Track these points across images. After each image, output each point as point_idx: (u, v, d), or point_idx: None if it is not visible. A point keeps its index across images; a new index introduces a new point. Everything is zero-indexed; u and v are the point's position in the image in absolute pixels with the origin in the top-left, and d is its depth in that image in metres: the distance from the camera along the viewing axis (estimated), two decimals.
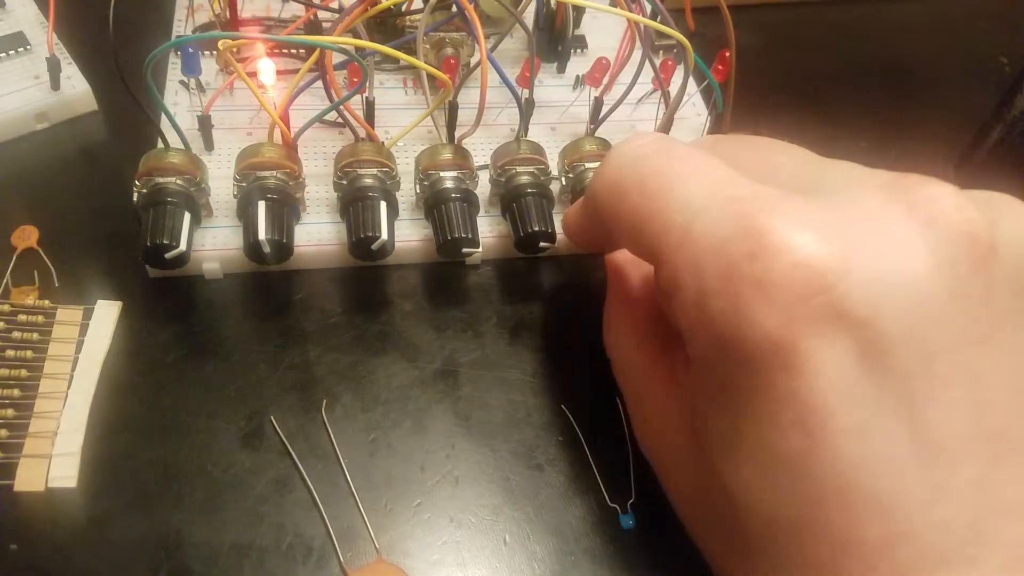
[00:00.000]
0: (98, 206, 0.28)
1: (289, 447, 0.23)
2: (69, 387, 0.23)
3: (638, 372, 0.22)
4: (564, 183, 0.28)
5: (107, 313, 0.25)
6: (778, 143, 0.21)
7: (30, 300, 0.25)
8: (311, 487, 0.22)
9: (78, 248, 0.26)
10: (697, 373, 0.19)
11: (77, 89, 0.30)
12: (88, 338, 0.24)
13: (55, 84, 0.29)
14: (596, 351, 0.26)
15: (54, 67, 0.29)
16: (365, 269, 0.27)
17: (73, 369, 0.24)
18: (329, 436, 0.23)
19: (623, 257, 0.25)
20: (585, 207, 0.22)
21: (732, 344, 0.16)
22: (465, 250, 0.26)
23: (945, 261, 0.16)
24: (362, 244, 0.25)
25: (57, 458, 0.22)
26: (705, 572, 0.22)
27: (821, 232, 0.16)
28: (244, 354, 0.25)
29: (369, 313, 0.26)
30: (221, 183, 0.27)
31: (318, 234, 0.27)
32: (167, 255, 0.24)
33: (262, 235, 0.24)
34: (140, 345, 0.25)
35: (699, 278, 0.17)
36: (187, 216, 0.24)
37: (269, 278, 0.27)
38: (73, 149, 0.30)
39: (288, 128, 0.26)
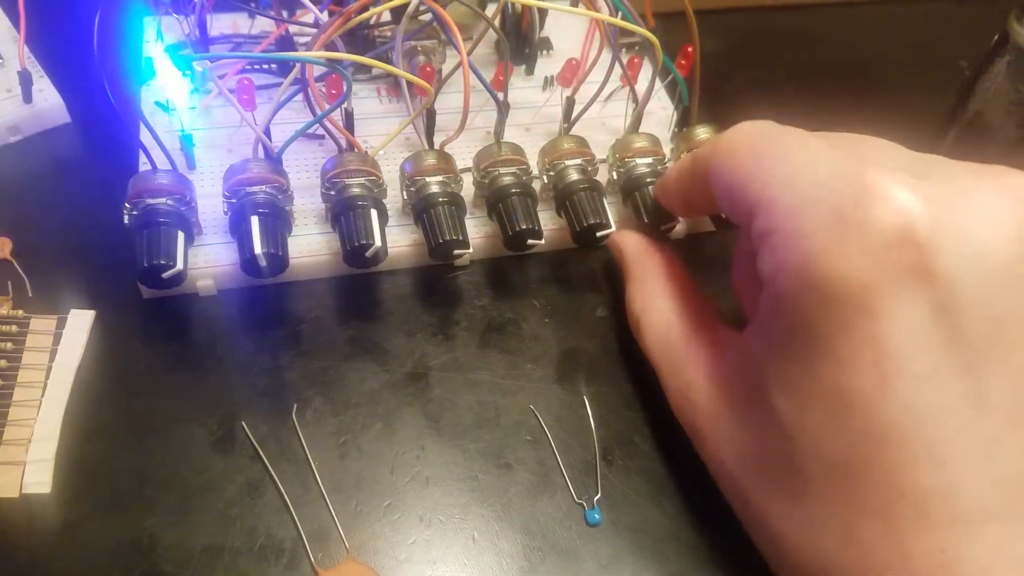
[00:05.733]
0: (72, 217, 0.28)
1: (260, 451, 0.23)
2: (43, 395, 0.24)
3: (679, 342, 0.24)
4: (545, 181, 0.29)
5: (80, 322, 0.25)
6: (875, 138, 0.22)
7: (3, 310, 0.25)
8: (282, 490, 0.23)
9: (52, 259, 0.27)
10: (771, 319, 0.20)
11: (49, 102, 0.30)
12: (62, 347, 0.25)
13: (27, 97, 0.30)
14: (565, 350, 0.27)
15: (26, 80, 0.29)
16: (356, 277, 0.28)
17: (47, 377, 0.24)
18: (300, 440, 0.24)
19: (643, 245, 0.27)
20: (693, 165, 0.24)
21: (821, 284, 0.18)
22: (456, 251, 0.27)
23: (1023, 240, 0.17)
24: (356, 252, 0.25)
25: (31, 465, 0.22)
26: (666, 566, 0.22)
27: (920, 194, 0.17)
28: (216, 361, 0.25)
29: (343, 318, 0.27)
30: (207, 201, 0.27)
31: (308, 245, 0.27)
32: (164, 275, 0.24)
33: (258, 249, 0.24)
34: (113, 353, 0.25)
35: (798, 220, 0.18)
36: (181, 235, 0.25)
37: (261, 291, 0.27)
38: (46, 161, 0.30)
39: (270, 142, 0.27)
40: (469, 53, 0.26)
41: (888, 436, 0.17)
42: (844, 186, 0.18)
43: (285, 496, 0.22)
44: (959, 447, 0.17)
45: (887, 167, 0.18)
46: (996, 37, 0.29)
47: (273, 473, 0.23)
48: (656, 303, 0.25)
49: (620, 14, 0.28)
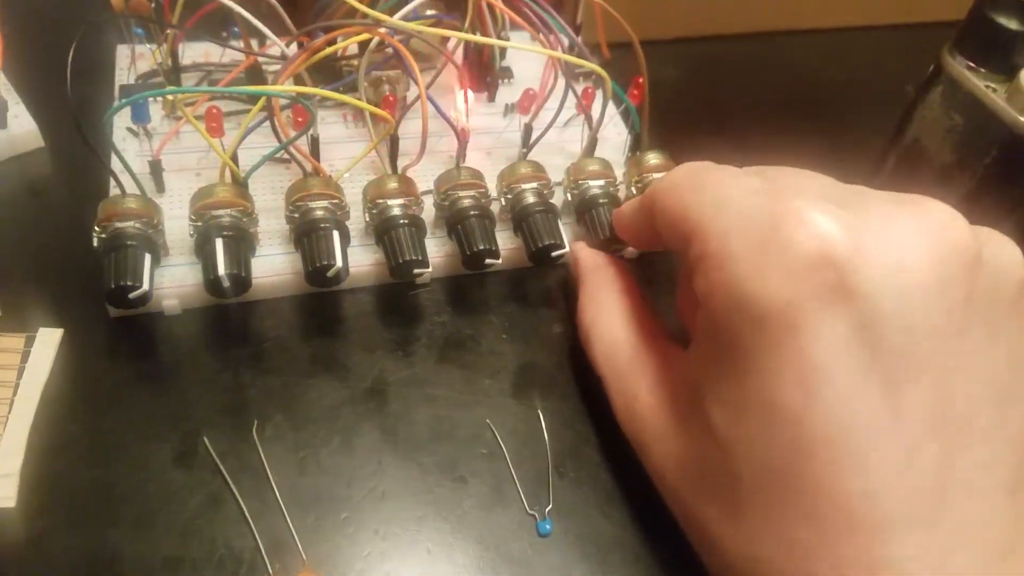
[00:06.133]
0: (43, 238, 0.29)
1: (221, 466, 0.24)
2: (9, 411, 0.24)
3: (626, 354, 0.24)
4: (504, 203, 0.30)
5: (49, 340, 0.26)
6: (807, 171, 0.23)
7: None
8: (241, 503, 0.23)
9: (22, 278, 0.28)
10: (707, 336, 0.21)
11: (24, 127, 0.31)
12: (29, 364, 0.25)
13: (2, 122, 0.30)
14: (521, 365, 0.28)
15: (1, 106, 0.30)
16: (319, 295, 0.29)
17: (14, 394, 0.25)
18: (260, 455, 0.24)
19: (598, 259, 0.28)
20: (641, 202, 0.26)
21: (748, 303, 0.19)
22: (416, 271, 0.28)
23: (938, 261, 0.18)
24: (318, 272, 0.26)
25: None
26: (611, 574, 0.23)
27: (838, 220, 0.19)
28: (180, 378, 0.26)
29: (305, 336, 0.28)
30: (175, 223, 0.28)
31: (272, 266, 0.28)
32: (131, 295, 0.25)
33: (221, 271, 0.25)
34: (80, 370, 0.26)
35: (727, 244, 0.20)
36: (148, 257, 0.26)
37: (225, 310, 0.28)
38: (20, 184, 0.31)
39: (237, 167, 0.28)
40: (429, 86, 0.28)
41: (815, 446, 0.18)
42: (768, 212, 0.19)
43: (244, 510, 0.23)
44: (880, 455, 0.18)
45: (810, 195, 0.19)
46: (931, 67, 0.31)
47: (233, 487, 0.23)
48: (606, 316, 0.26)
49: (576, 50, 0.29)
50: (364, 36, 0.29)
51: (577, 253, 0.29)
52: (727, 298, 0.19)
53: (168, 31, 0.30)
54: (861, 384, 0.18)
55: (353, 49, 0.32)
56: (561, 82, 0.31)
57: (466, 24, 0.31)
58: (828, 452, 0.18)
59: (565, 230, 0.29)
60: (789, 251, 0.18)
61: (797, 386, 0.18)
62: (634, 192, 0.31)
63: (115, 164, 0.27)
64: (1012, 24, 0.30)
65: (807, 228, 0.19)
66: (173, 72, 0.32)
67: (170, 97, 0.28)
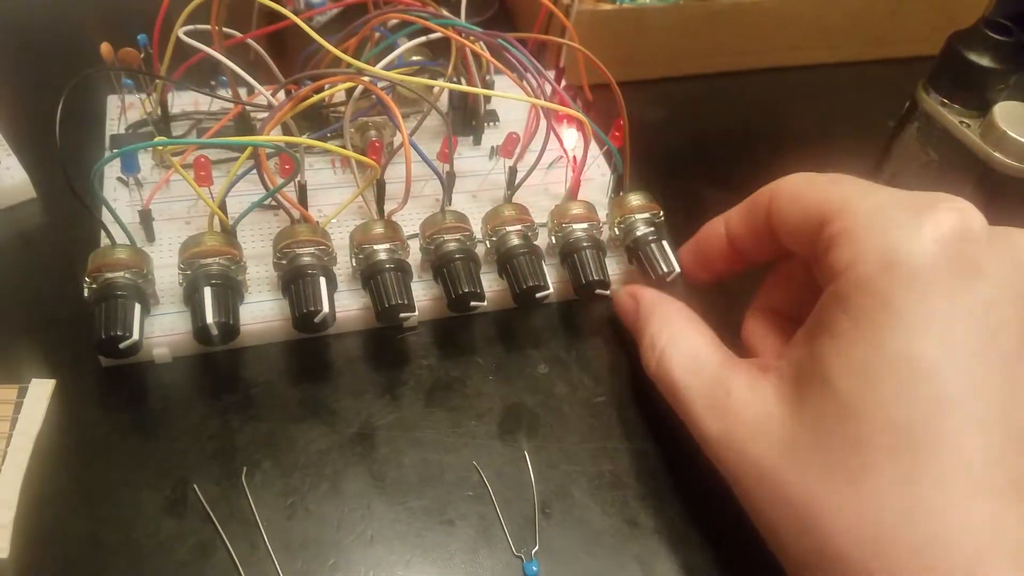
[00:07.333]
0: (35, 289, 0.29)
1: (211, 513, 0.24)
2: (2, 462, 0.24)
3: (715, 363, 0.25)
4: (488, 246, 0.31)
5: (41, 391, 0.26)
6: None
7: None
8: (231, 550, 0.24)
9: (14, 329, 0.28)
10: (834, 311, 0.22)
11: (16, 179, 0.32)
12: (22, 415, 0.26)
13: None
14: (507, 406, 0.28)
15: None
16: (308, 341, 0.29)
17: (7, 445, 0.25)
18: (249, 502, 0.25)
19: (659, 293, 0.29)
20: (753, 199, 0.27)
21: (904, 260, 0.21)
22: (402, 315, 0.28)
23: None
24: (305, 318, 0.27)
25: None
26: None
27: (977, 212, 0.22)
28: (171, 426, 0.26)
29: (293, 382, 0.28)
30: (165, 272, 0.28)
31: (261, 312, 0.29)
32: (121, 345, 0.25)
33: (209, 319, 0.26)
34: (72, 420, 0.26)
35: (881, 216, 0.22)
36: (137, 307, 0.26)
37: (215, 357, 0.28)
38: (11, 235, 0.31)
39: (226, 215, 0.28)
40: (412, 133, 0.28)
41: (951, 401, 0.20)
42: (916, 196, 0.23)
43: (234, 557, 0.23)
44: (1003, 419, 0.20)
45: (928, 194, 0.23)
46: (907, 104, 0.32)
47: (223, 535, 0.24)
48: (683, 336, 0.26)
49: (558, 97, 0.30)
50: (350, 84, 0.29)
51: (636, 292, 0.29)
52: (879, 258, 0.21)
53: (157, 81, 0.31)
54: (990, 349, 0.20)
55: (341, 96, 0.33)
56: (544, 124, 0.31)
57: (449, 70, 0.31)
58: (961, 410, 0.20)
59: (549, 272, 0.30)
60: (940, 224, 0.21)
61: (937, 343, 0.20)
62: (617, 233, 0.32)
63: (105, 215, 0.27)
64: (984, 61, 0.30)
65: (953, 208, 0.22)
66: (163, 121, 0.32)
67: (159, 147, 0.29)
